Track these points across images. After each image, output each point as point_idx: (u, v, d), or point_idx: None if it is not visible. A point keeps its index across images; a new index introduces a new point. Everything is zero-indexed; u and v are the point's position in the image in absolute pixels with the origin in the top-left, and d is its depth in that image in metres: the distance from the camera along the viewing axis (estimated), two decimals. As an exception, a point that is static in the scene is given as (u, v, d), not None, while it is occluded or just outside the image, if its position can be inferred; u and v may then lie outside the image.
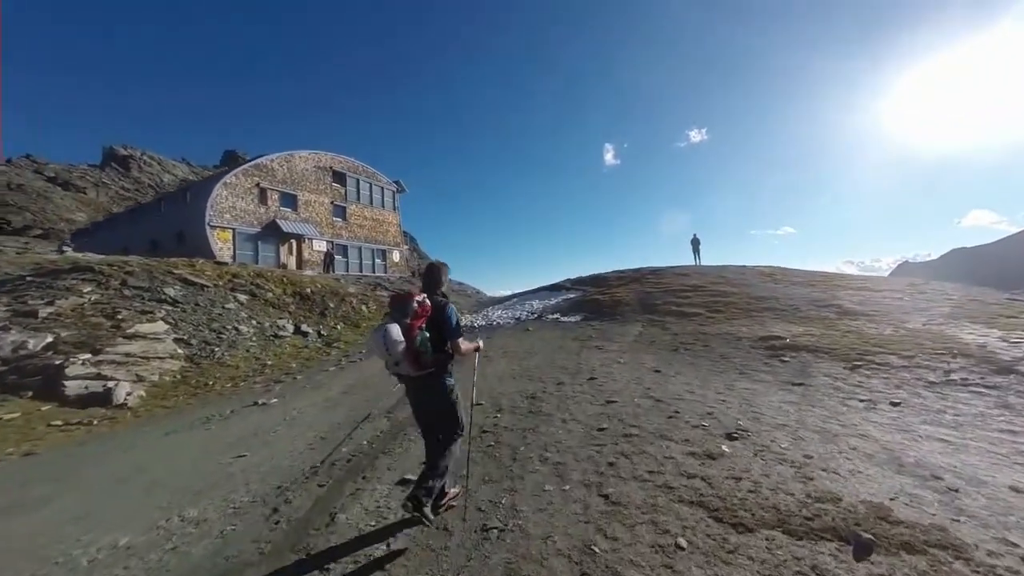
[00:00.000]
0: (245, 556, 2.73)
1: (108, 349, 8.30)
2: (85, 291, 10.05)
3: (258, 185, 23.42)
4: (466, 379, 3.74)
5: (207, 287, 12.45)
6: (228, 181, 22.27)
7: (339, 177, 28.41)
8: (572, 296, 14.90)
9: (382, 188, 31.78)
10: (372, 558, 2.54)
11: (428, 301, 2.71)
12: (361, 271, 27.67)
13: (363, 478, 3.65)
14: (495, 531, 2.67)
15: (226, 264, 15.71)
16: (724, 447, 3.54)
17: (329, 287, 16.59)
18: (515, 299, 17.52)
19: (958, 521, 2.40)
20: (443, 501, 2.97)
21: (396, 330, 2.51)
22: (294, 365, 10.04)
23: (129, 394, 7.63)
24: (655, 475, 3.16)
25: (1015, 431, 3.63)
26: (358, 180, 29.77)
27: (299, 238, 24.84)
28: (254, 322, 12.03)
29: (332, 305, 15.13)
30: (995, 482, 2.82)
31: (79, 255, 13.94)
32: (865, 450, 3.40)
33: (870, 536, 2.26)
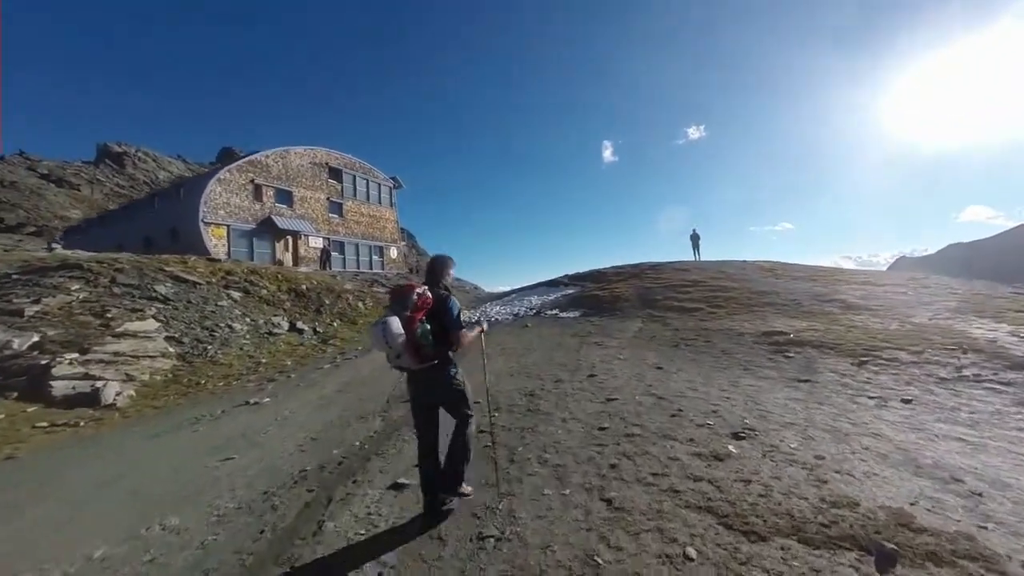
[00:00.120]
0: (226, 569, 2.57)
1: (96, 348, 8.10)
2: (73, 289, 9.83)
3: (252, 181, 23.11)
4: (474, 367, 3.60)
5: (199, 284, 12.23)
6: (222, 177, 21.96)
7: (335, 173, 28.10)
8: (571, 292, 14.74)
9: (379, 184, 31.48)
10: (361, 571, 2.38)
11: (429, 293, 2.67)
12: (358, 268, 27.43)
13: (354, 482, 3.49)
14: (491, 540, 2.51)
15: (219, 261, 15.49)
16: (731, 447, 3.39)
17: (325, 284, 16.38)
18: (513, 295, 17.35)
19: (985, 528, 2.25)
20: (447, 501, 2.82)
21: (396, 323, 2.47)
22: (289, 363, 9.86)
23: (118, 394, 7.44)
24: (660, 478, 3.01)
25: (1033, 429, 3.49)
26: (354, 176, 29.47)
27: (295, 235, 24.58)
28: (248, 319, 11.83)
29: (328, 302, 14.94)
30: (1020, 484, 2.67)
31: (68, 252, 13.69)
32: (879, 450, 3.25)
33: (893, 546, 2.11)
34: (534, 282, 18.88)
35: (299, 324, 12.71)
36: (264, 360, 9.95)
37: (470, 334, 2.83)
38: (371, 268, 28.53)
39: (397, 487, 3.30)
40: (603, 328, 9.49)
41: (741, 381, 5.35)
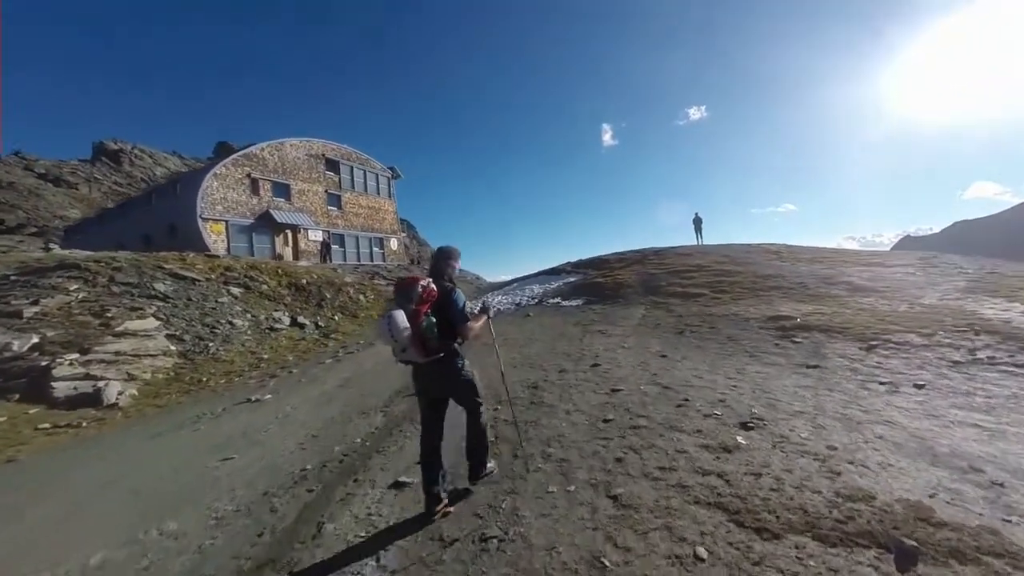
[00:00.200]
0: (223, 574, 2.51)
1: (97, 348, 8.07)
2: (71, 289, 9.77)
3: (249, 175, 22.88)
4: (485, 351, 3.52)
5: (199, 281, 12.16)
6: (218, 172, 21.74)
7: (332, 165, 27.79)
8: (573, 280, 14.60)
9: (376, 175, 31.14)
10: (360, 575, 2.32)
11: (434, 286, 2.65)
12: (359, 260, 27.31)
13: (354, 481, 3.43)
14: (495, 541, 2.44)
15: (218, 257, 15.39)
16: (739, 438, 3.29)
17: (325, 277, 16.29)
18: (515, 284, 17.23)
19: (1010, 522, 2.15)
20: (438, 508, 2.75)
21: (401, 316, 2.46)
22: (290, 358, 9.83)
23: (120, 393, 7.43)
24: (667, 472, 2.92)
25: (1052, 413, 3.38)
26: (352, 167, 29.14)
27: (294, 228, 24.43)
28: (249, 315, 11.78)
29: (329, 296, 14.87)
30: (1043, 473, 2.57)
31: (65, 252, 13.62)
32: (893, 439, 3.15)
33: (913, 542, 2.01)
34: (536, 270, 18.75)
35: (300, 319, 12.66)
36: (266, 356, 9.92)
37: (476, 325, 2.80)
38: (372, 260, 28.41)
39: (398, 486, 3.23)
40: (606, 316, 9.38)
41: (748, 368, 5.24)
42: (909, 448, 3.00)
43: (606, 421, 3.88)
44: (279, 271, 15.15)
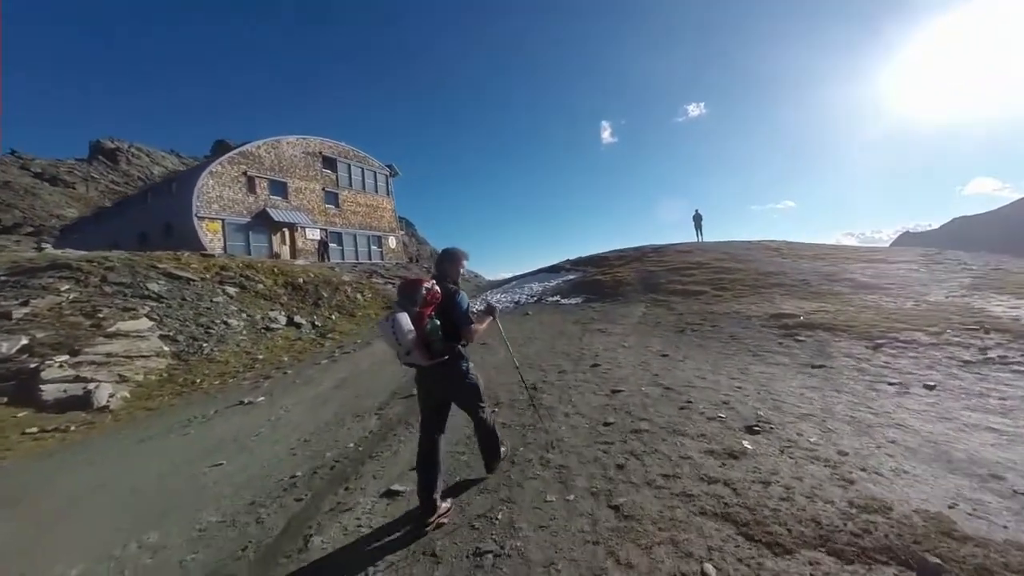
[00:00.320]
0: (203, 592, 2.38)
1: (87, 349, 7.92)
2: (63, 289, 9.61)
3: (245, 173, 22.67)
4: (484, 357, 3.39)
5: (194, 280, 12.01)
6: (214, 170, 21.53)
7: (329, 163, 27.58)
8: (572, 277, 14.46)
9: (374, 172, 30.93)
10: (347, 594, 2.19)
11: (437, 288, 2.62)
12: (357, 259, 27.15)
13: (345, 489, 3.29)
14: (489, 556, 2.30)
15: (213, 256, 15.23)
16: (746, 443, 3.16)
17: (323, 276, 16.13)
18: (514, 282, 17.09)
19: (1038, 535, 2.02)
20: (431, 519, 2.62)
21: (405, 319, 2.45)
22: (286, 358, 9.69)
23: (111, 396, 7.29)
24: (671, 480, 2.79)
25: (1070, 415, 3.25)
26: (349, 165, 28.93)
27: (291, 227, 24.24)
28: (244, 315, 11.64)
29: (326, 295, 14.72)
30: (1068, 481, 2.44)
31: (58, 252, 13.45)
32: (906, 443, 3.02)
33: (936, 559, 1.88)
34: (535, 268, 18.60)
35: (297, 318, 12.52)
36: (261, 356, 9.78)
37: (480, 327, 2.77)
38: (370, 259, 28.25)
39: (390, 494, 3.10)
40: (606, 314, 9.25)
41: (751, 368, 5.11)
42: (923, 453, 2.87)
43: (606, 424, 3.75)
44: (275, 270, 14.99)
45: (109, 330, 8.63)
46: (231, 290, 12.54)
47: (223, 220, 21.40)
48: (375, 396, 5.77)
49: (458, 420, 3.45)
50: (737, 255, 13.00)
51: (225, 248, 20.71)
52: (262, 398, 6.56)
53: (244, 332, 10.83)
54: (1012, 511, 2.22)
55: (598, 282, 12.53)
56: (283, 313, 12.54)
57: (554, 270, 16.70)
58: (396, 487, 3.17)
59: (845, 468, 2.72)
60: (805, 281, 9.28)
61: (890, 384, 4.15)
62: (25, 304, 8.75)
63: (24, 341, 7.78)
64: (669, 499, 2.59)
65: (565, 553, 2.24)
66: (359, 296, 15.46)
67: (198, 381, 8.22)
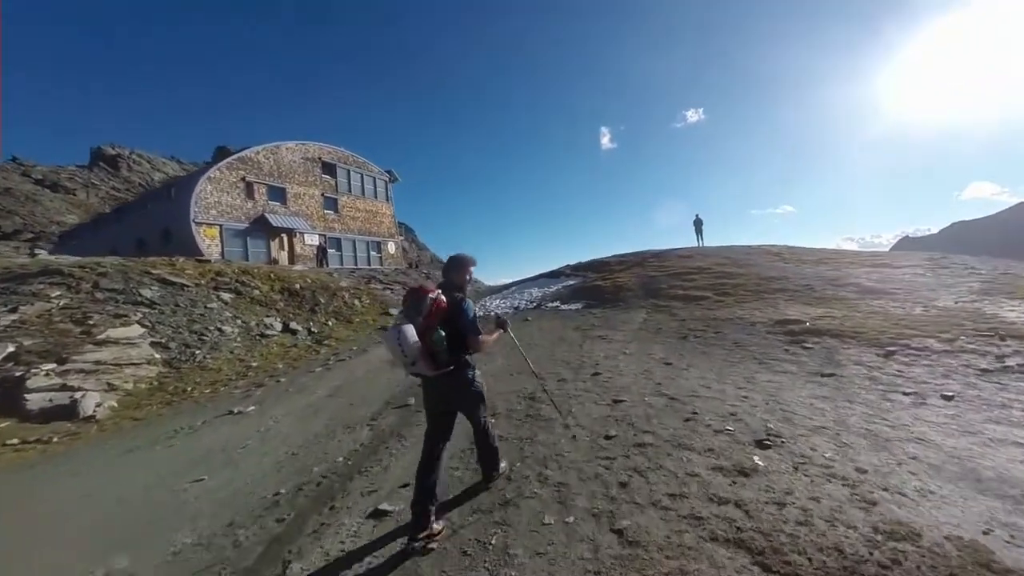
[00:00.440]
0: (169, 627, 2.19)
1: (75, 357, 7.73)
2: (53, 296, 9.44)
3: (244, 179, 22.60)
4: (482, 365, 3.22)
5: (188, 287, 11.84)
6: (212, 176, 21.46)
7: (329, 168, 27.53)
8: (572, 283, 14.29)
9: (374, 178, 30.89)
10: (324, 630, 1.99)
11: (443, 297, 2.57)
12: (356, 264, 27.00)
13: (330, 508, 3.10)
14: (482, 587, 2.11)
15: (209, 261, 15.06)
16: (756, 458, 2.97)
17: (320, 282, 15.96)
18: (514, 288, 16.92)
19: (1087, 568, 1.83)
20: (422, 535, 2.45)
21: (410, 330, 2.42)
22: (280, 366, 9.49)
23: (99, 405, 7.09)
24: (678, 500, 2.60)
25: (1100, 428, 3.06)
26: (348, 171, 28.89)
27: (290, 232, 24.12)
28: (239, 321, 11.45)
29: (323, 301, 14.53)
30: (1110, 503, 2.25)
31: (52, 258, 13.29)
32: (929, 460, 2.83)
33: (977, 596, 1.69)
34: (535, 273, 18.44)
35: (293, 324, 12.32)
36: (255, 364, 9.58)
37: (489, 339, 2.72)
38: (369, 264, 28.10)
39: (378, 515, 2.90)
40: (607, 320, 9.06)
41: (758, 377, 4.92)
42: (948, 471, 2.68)
43: (608, 438, 3.56)
44: (272, 276, 14.82)
45: (99, 337, 8.45)
46: (226, 296, 12.36)
47: (221, 226, 21.29)
48: (369, 406, 5.58)
49: (455, 431, 3.27)
50: (738, 260, 12.84)
51: (223, 254, 20.58)
52: (252, 408, 6.36)
53: (238, 339, 10.64)
54: (1054, 538, 2.03)
55: (599, 287, 12.36)
56: (279, 319, 12.36)
57: (554, 275, 16.54)
58: (384, 506, 2.98)
59: (865, 488, 2.53)
60: (809, 286, 9.11)
61: (905, 394, 3.96)
62: (14, 311, 8.58)
63: (10, 349, 7.59)
64: (676, 522, 2.40)
65: (564, 584, 2.05)
66: (357, 302, 15.28)
67: (189, 390, 8.02)
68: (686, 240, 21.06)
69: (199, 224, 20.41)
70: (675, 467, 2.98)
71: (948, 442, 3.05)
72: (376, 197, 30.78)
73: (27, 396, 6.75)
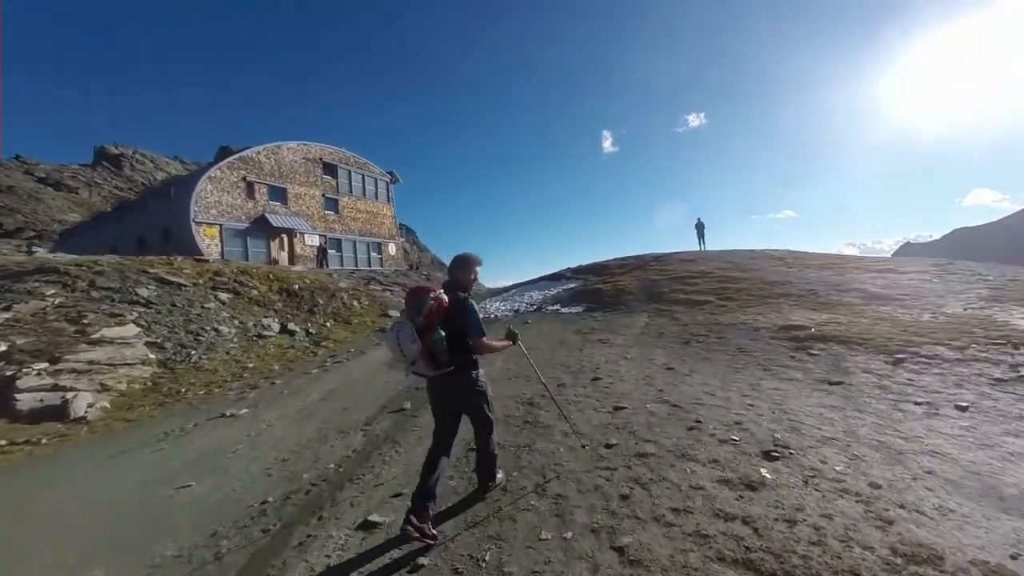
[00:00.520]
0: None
1: (68, 357, 7.62)
2: (48, 294, 9.35)
3: (244, 179, 22.56)
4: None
5: (185, 286, 11.74)
6: (213, 175, 21.42)
7: (330, 169, 27.49)
8: (573, 286, 14.16)
9: (375, 179, 30.85)
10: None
11: (445, 297, 2.52)
12: (356, 265, 26.91)
13: (318, 519, 2.97)
14: (473, 609, 1.98)
15: (207, 261, 14.98)
16: (764, 471, 2.84)
17: (319, 282, 15.87)
18: (514, 290, 16.79)
19: None
20: (414, 528, 2.36)
21: (410, 330, 2.41)
22: (276, 367, 9.37)
23: (90, 406, 6.97)
24: (682, 515, 2.46)
25: (1124, 442, 2.93)
26: (350, 171, 28.85)
27: (290, 233, 24.06)
28: (236, 322, 11.34)
29: (322, 302, 14.43)
30: None
31: (49, 256, 13.22)
32: (946, 474, 2.69)
33: (1010, 629, 1.55)
34: (535, 276, 18.32)
35: (291, 325, 12.22)
36: (251, 365, 9.47)
37: (496, 344, 2.72)
38: (369, 265, 28.01)
39: (367, 527, 2.77)
40: (607, 324, 8.93)
41: (763, 384, 4.79)
42: (968, 488, 2.54)
43: (609, 447, 3.43)
44: (270, 276, 14.73)
45: (93, 336, 8.34)
46: (224, 296, 12.26)
47: (221, 225, 21.23)
48: (363, 410, 5.45)
49: (461, 433, 3.14)
50: (741, 264, 12.71)
51: (223, 254, 20.50)
52: (245, 410, 6.24)
53: (235, 339, 10.53)
54: (1088, 564, 1.89)
55: (599, 291, 12.23)
56: (276, 320, 12.25)
57: (554, 278, 16.42)
58: (374, 517, 2.84)
59: (881, 504, 2.39)
60: (813, 291, 8.97)
61: (917, 404, 3.82)
62: (7, 309, 8.48)
63: (2, 347, 7.49)
64: (681, 540, 2.26)
65: (561, 608, 1.91)
66: (355, 303, 15.18)
67: (183, 391, 7.90)
68: (687, 244, 20.96)
69: (199, 223, 20.35)
70: (679, 479, 2.85)
71: (965, 456, 2.91)
72: (377, 198, 30.73)
73: (17, 396, 6.64)
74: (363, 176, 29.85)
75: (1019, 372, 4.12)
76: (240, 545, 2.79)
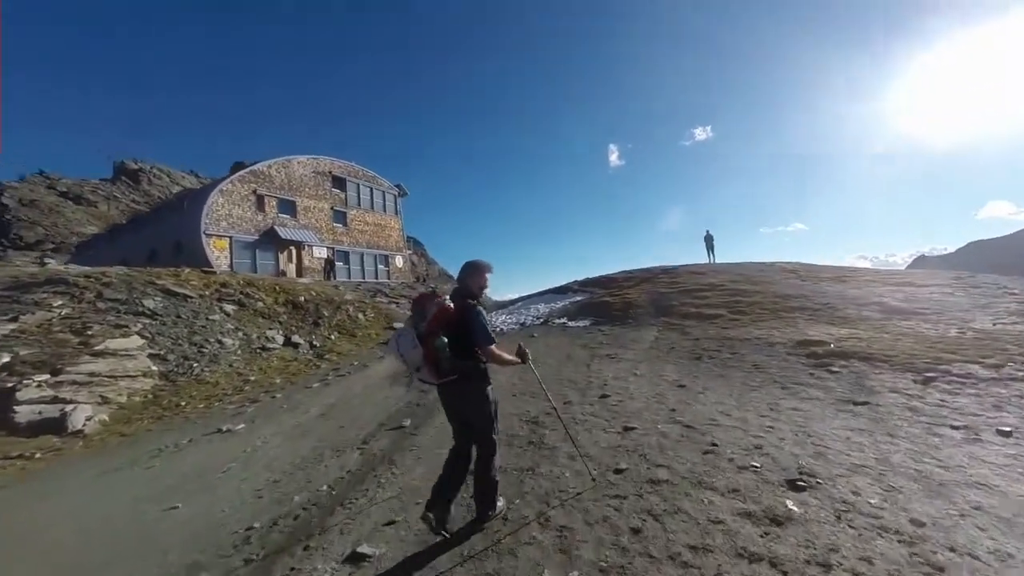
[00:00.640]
0: None
1: (70, 368, 7.57)
2: (55, 305, 9.38)
3: (255, 192, 22.89)
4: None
5: (191, 298, 11.75)
6: (224, 188, 21.77)
7: (339, 182, 27.84)
8: (580, 299, 13.93)
9: (383, 192, 31.15)
10: None
11: (449, 303, 2.46)
12: (363, 278, 26.99)
13: (304, 548, 2.76)
14: (466, 663, 1.75)
15: (214, 273, 15.07)
16: (790, 503, 2.58)
17: (324, 295, 15.84)
18: (520, 303, 16.60)
19: None
20: (434, 516, 2.50)
21: (409, 335, 2.39)
22: (277, 380, 9.24)
23: (89, 419, 6.87)
24: (701, 554, 2.22)
25: None
26: (358, 185, 29.18)
27: (299, 245, 24.25)
28: (240, 334, 11.29)
29: (327, 314, 14.37)
30: None
31: (60, 267, 13.39)
32: (996, 511, 2.41)
33: None
34: (542, 289, 18.13)
35: (295, 338, 12.13)
36: (253, 378, 9.35)
37: (504, 356, 2.59)
38: (376, 278, 28.08)
39: (355, 559, 2.56)
40: (616, 338, 8.68)
41: (782, 403, 4.50)
42: (1023, 526, 2.26)
43: (618, 472, 3.19)
44: (276, 288, 14.74)
45: (97, 348, 8.30)
46: (229, 308, 12.25)
47: (231, 238, 21.46)
48: (361, 427, 5.26)
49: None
50: (753, 277, 12.40)
51: (232, 265, 20.67)
52: (242, 426, 6.08)
53: (238, 352, 10.45)
54: None
55: (607, 304, 11.99)
56: (281, 332, 12.18)
57: (561, 291, 16.21)
58: (363, 548, 2.63)
59: (927, 547, 2.12)
60: (829, 304, 8.65)
61: (954, 428, 3.53)
62: (14, 320, 8.50)
63: (6, 359, 7.46)
64: (701, 585, 2.02)
65: (565, 666, 1.68)
66: (361, 316, 15.09)
67: (183, 404, 7.78)
68: (695, 257, 20.66)
69: (210, 236, 20.60)
70: (695, 511, 2.60)
71: (1015, 488, 2.62)
72: (385, 211, 30.98)
73: (16, 408, 6.56)
74: (371, 189, 30.16)
75: (1064, 394, 3.81)
76: (219, 577, 2.59)
